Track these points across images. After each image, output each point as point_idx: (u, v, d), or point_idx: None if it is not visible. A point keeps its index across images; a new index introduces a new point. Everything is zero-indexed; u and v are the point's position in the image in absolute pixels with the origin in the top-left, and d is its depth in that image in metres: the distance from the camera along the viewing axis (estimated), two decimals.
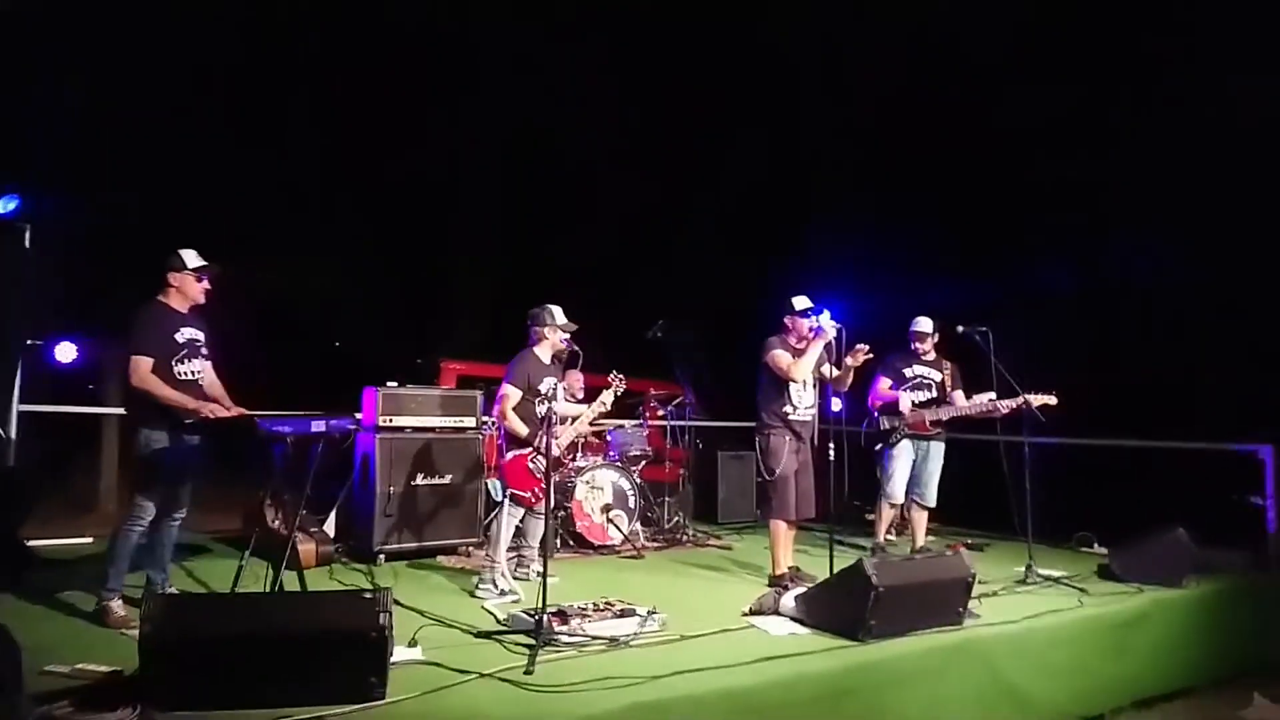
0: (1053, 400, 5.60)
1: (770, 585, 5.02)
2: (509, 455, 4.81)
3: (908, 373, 6.06)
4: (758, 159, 8.52)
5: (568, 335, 4.89)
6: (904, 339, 6.17)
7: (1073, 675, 4.36)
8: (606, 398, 5.01)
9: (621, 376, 5.06)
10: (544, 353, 4.93)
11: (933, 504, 6.06)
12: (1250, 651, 5.24)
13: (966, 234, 7.91)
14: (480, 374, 7.35)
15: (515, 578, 4.79)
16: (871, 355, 5.25)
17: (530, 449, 4.76)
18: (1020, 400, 5.60)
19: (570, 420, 5.08)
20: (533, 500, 4.79)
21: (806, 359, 5.08)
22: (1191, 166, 6.46)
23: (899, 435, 5.95)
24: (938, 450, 6.05)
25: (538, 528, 5.04)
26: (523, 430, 4.74)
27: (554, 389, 4.92)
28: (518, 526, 4.92)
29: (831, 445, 4.76)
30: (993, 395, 5.76)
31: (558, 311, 4.88)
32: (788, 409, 5.16)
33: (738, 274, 9.01)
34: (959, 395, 6.04)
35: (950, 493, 6.22)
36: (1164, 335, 6.99)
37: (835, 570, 4.27)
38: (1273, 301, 6.64)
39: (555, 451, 4.72)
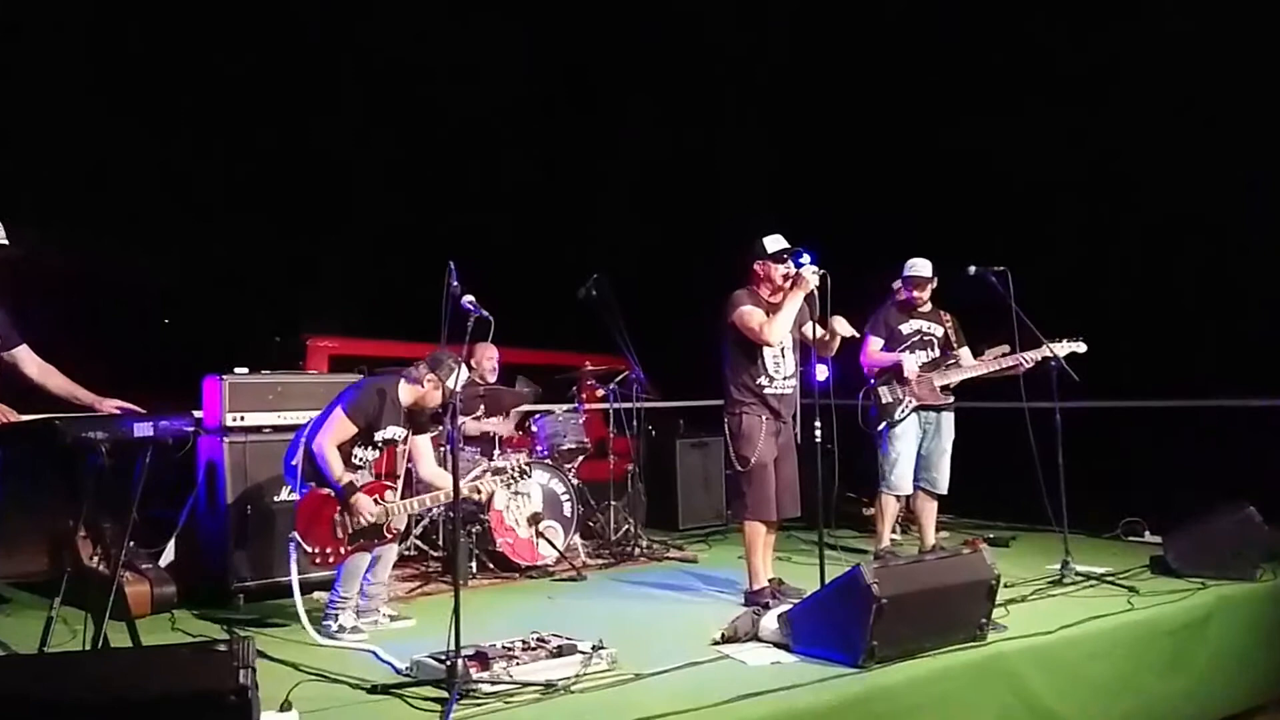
0: (1081, 347, 5.74)
1: (747, 604, 5.07)
2: (304, 490, 4.75)
3: (904, 329, 6.14)
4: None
5: (445, 402, 4.85)
6: (884, 288, 6.24)
7: (1121, 695, 4.50)
8: (485, 485, 4.99)
9: (523, 462, 5.09)
10: (407, 395, 4.90)
11: (944, 490, 6.18)
12: None
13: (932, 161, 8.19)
14: (361, 353, 7.29)
15: (358, 627, 4.77)
16: (856, 336, 5.34)
17: (336, 498, 4.70)
18: (1044, 350, 5.72)
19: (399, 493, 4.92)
20: (318, 561, 4.72)
21: (783, 316, 5.09)
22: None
23: (905, 409, 6.02)
24: (948, 423, 6.16)
25: (389, 556, 5.01)
26: (336, 469, 4.66)
27: (400, 440, 4.92)
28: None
29: (818, 424, 4.81)
30: (1005, 348, 5.88)
31: (459, 372, 4.75)
32: (762, 380, 5.19)
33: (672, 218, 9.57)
34: (966, 353, 6.15)
35: (965, 476, 6.34)
36: (1217, 268, 7.15)
37: (827, 581, 4.32)
38: None
39: (372, 515, 4.69)
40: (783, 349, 5.22)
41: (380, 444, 4.92)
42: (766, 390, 5.19)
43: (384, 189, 8.91)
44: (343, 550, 4.73)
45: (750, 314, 5.15)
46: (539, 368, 7.93)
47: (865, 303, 6.24)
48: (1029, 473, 5.61)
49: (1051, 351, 5.68)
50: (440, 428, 5.70)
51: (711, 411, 6.04)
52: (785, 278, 5.16)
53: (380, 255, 8.89)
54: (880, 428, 6.06)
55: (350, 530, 4.71)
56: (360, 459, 4.89)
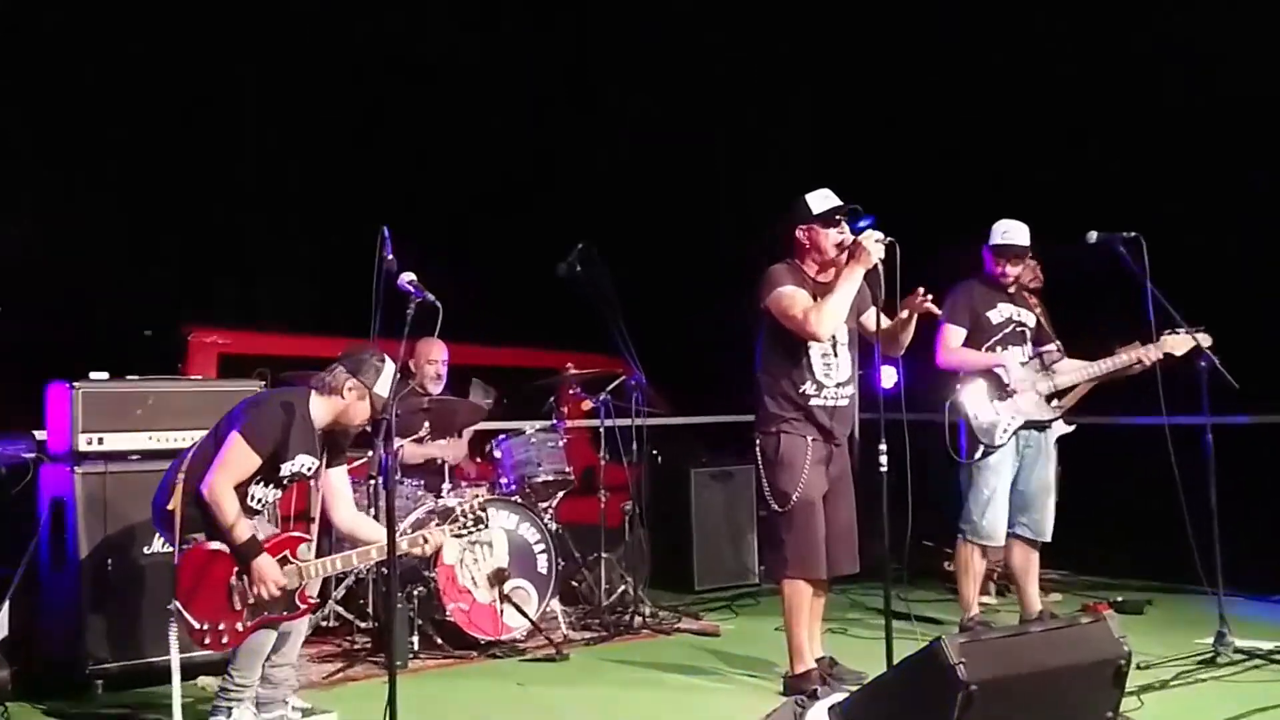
0: (1205, 340, 5.74)
1: (787, 692, 5.07)
2: (189, 542, 4.67)
3: (993, 316, 6.10)
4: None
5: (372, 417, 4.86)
6: (964, 261, 6.22)
7: None
8: (432, 535, 4.91)
9: (480, 503, 5.03)
10: (322, 412, 4.86)
11: (1048, 535, 6.16)
12: None
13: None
14: (263, 350, 7.27)
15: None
16: (935, 309, 5.26)
17: (231, 553, 4.63)
18: (1167, 344, 5.73)
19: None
20: (207, 640, 4.65)
21: (835, 300, 5.04)
22: None
23: (1008, 429, 5.99)
24: (1050, 445, 6.16)
25: (301, 630, 4.98)
26: (230, 516, 4.59)
27: (311, 473, 4.91)
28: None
29: (884, 447, 4.77)
30: (1137, 345, 5.88)
31: (387, 373, 4.75)
32: (808, 388, 5.15)
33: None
34: (1058, 349, 6.15)
35: (1081, 517, 6.32)
36: None
37: (895, 660, 4.30)
38: None
39: (280, 586, 4.63)
40: (835, 345, 5.19)
41: (286, 480, 4.88)
42: (814, 401, 5.15)
43: (289, 140, 9.20)
44: (240, 626, 4.68)
45: (791, 297, 5.10)
46: (504, 371, 7.93)
47: None
48: (1170, 513, 5.58)
49: (1194, 340, 5.65)
50: (367, 454, 5.66)
51: (739, 430, 6.03)
52: (839, 248, 5.12)
53: (286, 223, 9.02)
54: (976, 457, 6.01)
55: (251, 599, 4.68)
56: (259, 500, 4.85)
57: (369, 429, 5.06)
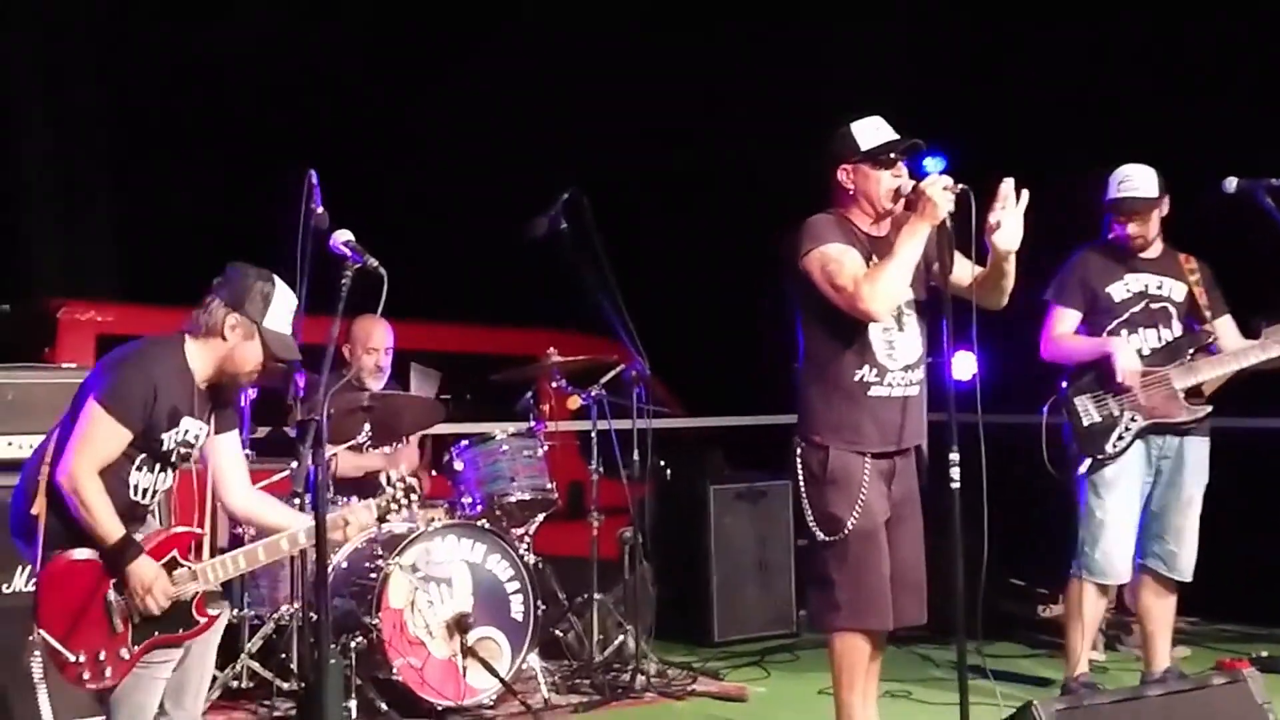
0: None
1: None
2: (49, 556, 4.65)
3: (1115, 291, 6.08)
4: None
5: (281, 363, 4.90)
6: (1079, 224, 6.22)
7: None
8: (355, 516, 4.99)
9: (409, 483, 5.04)
10: (202, 361, 4.84)
11: (1189, 572, 6.15)
12: None
13: None
14: (151, 330, 7.24)
15: None
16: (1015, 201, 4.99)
17: (101, 559, 4.63)
18: None
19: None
20: (87, 676, 4.61)
21: (895, 266, 4.89)
22: None
23: (1126, 435, 5.99)
24: (1196, 455, 6.13)
25: (200, 669, 4.94)
26: (98, 513, 4.57)
27: (200, 444, 4.90)
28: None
29: (955, 457, 4.75)
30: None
31: (282, 299, 4.77)
32: (867, 373, 5.01)
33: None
34: (1228, 327, 6.11)
35: (1215, 549, 6.31)
36: None
37: None
38: None
39: (161, 600, 4.62)
40: (900, 315, 5.07)
41: (174, 457, 4.84)
42: (875, 391, 5.01)
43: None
44: (125, 653, 4.64)
45: (837, 260, 4.95)
46: (467, 359, 7.92)
47: None
48: None
49: None
50: (290, 465, 5.65)
51: (772, 434, 6.01)
52: (896, 196, 5.05)
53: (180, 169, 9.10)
54: (1081, 470, 6.00)
55: (136, 617, 4.63)
56: (146, 491, 4.81)
57: (293, 433, 5.06)
